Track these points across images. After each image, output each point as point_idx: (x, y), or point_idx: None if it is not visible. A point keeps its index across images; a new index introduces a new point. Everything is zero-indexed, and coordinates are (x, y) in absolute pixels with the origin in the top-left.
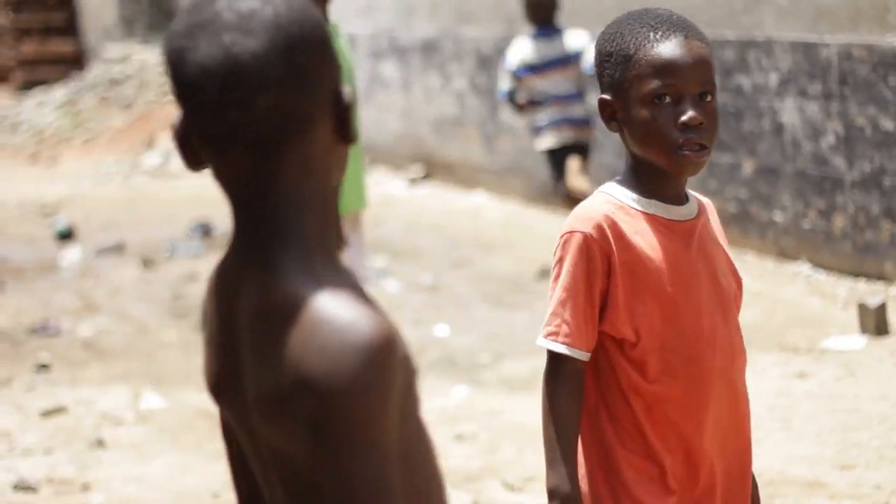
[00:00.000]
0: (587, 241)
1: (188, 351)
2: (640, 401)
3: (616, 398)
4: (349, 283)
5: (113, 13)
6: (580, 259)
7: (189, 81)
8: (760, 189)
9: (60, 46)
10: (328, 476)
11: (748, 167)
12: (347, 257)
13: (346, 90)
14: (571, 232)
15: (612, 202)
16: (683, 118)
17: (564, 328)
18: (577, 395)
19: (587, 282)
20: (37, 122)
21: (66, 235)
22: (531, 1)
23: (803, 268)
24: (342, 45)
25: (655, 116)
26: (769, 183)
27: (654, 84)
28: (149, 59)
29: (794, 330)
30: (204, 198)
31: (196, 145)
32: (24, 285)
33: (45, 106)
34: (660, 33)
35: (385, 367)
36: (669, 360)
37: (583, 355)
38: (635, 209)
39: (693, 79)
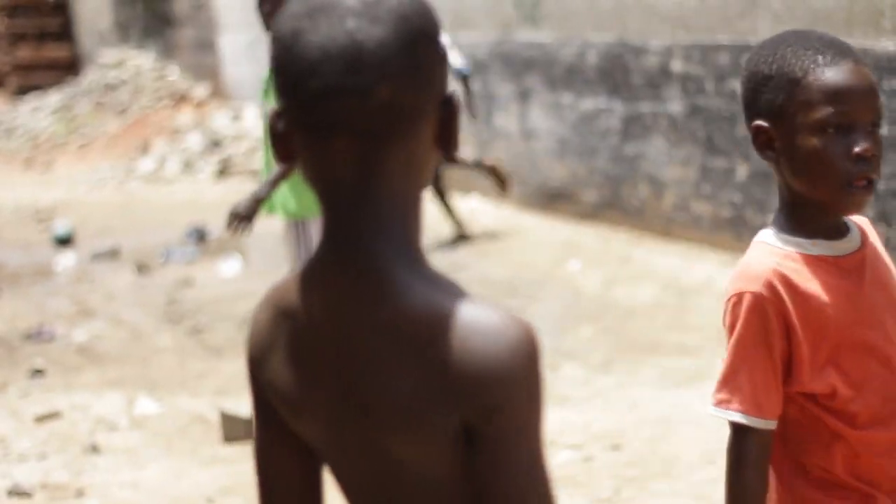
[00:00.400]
0: (759, 301)
1: (183, 356)
2: (845, 448)
3: (814, 451)
4: (457, 284)
5: (108, 19)
6: (754, 322)
7: (306, 63)
8: (755, 193)
9: (55, 52)
10: (508, 469)
11: (742, 171)
12: None
13: (455, 94)
14: (740, 293)
15: (775, 252)
16: (857, 149)
17: (738, 395)
18: (761, 467)
19: (765, 345)
20: (32, 127)
21: (65, 240)
22: None
23: None
24: None
25: (826, 146)
26: (763, 187)
27: (825, 111)
28: (144, 64)
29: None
30: (198, 203)
31: (292, 135)
32: (19, 290)
33: (40, 111)
34: (828, 57)
35: (538, 360)
36: (871, 403)
37: (763, 423)
38: (801, 254)
39: (866, 107)
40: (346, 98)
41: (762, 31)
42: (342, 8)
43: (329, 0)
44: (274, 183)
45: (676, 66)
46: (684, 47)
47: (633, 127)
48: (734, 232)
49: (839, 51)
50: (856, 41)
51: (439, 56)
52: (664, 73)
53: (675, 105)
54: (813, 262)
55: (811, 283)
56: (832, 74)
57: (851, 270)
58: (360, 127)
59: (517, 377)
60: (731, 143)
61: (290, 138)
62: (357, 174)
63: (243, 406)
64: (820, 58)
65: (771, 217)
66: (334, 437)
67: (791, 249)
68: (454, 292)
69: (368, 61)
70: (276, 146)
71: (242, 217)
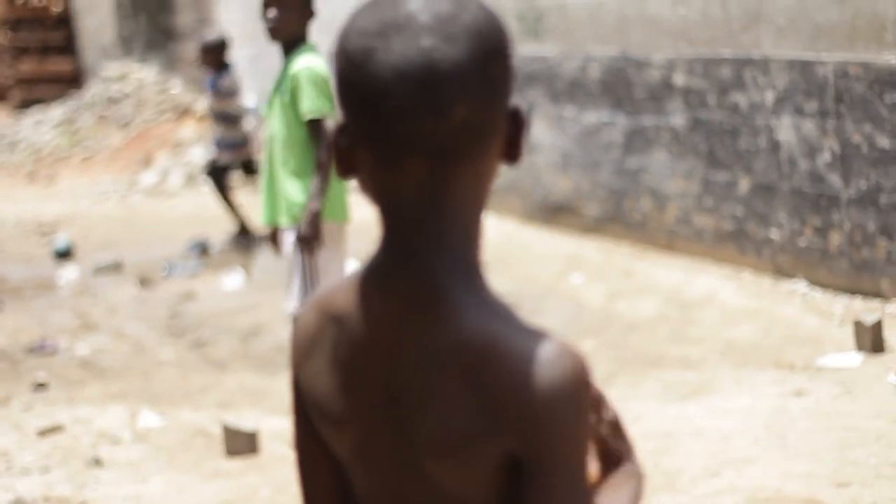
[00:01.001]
0: None
1: (185, 370)
2: None
3: None
4: (512, 309)
5: (111, 32)
6: None
7: (380, 84)
8: (757, 207)
9: (59, 65)
10: (544, 501)
11: (744, 185)
12: (333, 270)
13: (522, 106)
14: None
15: None
16: None
17: None
18: None
19: None
20: (35, 140)
21: (64, 254)
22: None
23: (800, 285)
24: (322, 62)
25: None
26: (765, 200)
27: None
28: (146, 77)
29: (790, 348)
30: (201, 216)
31: (356, 151)
32: (21, 304)
33: (43, 125)
34: None
35: (588, 392)
36: None
37: None
38: None
39: None
40: (422, 119)
41: (765, 44)
42: (416, 25)
43: (401, 16)
44: (320, 194)
45: (679, 79)
46: (687, 61)
47: (636, 140)
48: (736, 245)
49: None
50: (858, 55)
51: (510, 71)
52: (666, 86)
53: (678, 118)
54: None
55: None
56: None
57: None
58: (434, 147)
59: (567, 410)
60: (732, 156)
61: (353, 154)
62: (424, 193)
63: (246, 420)
64: None
65: (771, 230)
66: (366, 450)
67: None
68: (510, 318)
69: (445, 82)
70: (339, 161)
71: (312, 238)
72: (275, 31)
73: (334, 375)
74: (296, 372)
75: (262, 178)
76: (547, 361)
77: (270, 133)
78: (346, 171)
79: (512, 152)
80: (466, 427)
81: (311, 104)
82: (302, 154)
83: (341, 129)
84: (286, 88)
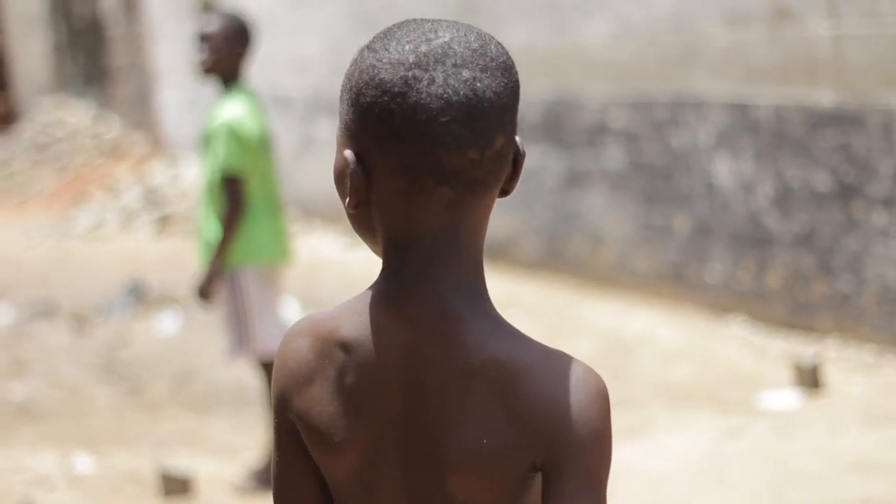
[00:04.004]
0: None
1: (120, 413)
2: None
3: None
4: (522, 331)
5: (46, 72)
6: None
7: (425, 113)
8: (694, 247)
9: None
10: None
11: (682, 226)
12: (267, 314)
13: (519, 141)
14: None
15: None
16: None
17: None
18: None
19: None
20: None
21: None
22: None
23: (737, 325)
24: (247, 112)
25: None
26: (703, 241)
27: None
28: (81, 120)
29: (727, 387)
30: (138, 260)
31: (371, 180)
32: None
33: None
34: None
35: (610, 411)
36: None
37: None
38: None
39: None
40: (466, 149)
41: (698, 83)
42: (455, 57)
43: (437, 48)
44: (223, 251)
45: (615, 120)
46: (622, 102)
47: (573, 181)
48: (674, 286)
49: None
50: (790, 93)
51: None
52: (602, 127)
53: (614, 160)
54: None
55: None
56: None
57: None
58: (470, 176)
59: (594, 426)
60: (669, 197)
61: (370, 186)
62: (447, 222)
63: (181, 463)
64: None
65: (708, 271)
66: (370, 472)
67: None
68: (528, 339)
69: (488, 112)
70: (354, 192)
71: (206, 294)
72: (205, 67)
73: (338, 400)
74: (285, 399)
75: (198, 219)
76: (577, 380)
77: (204, 178)
78: (357, 204)
79: (510, 185)
80: (496, 443)
81: (226, 160)
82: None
83: (360, 160)
84: (211, 135)
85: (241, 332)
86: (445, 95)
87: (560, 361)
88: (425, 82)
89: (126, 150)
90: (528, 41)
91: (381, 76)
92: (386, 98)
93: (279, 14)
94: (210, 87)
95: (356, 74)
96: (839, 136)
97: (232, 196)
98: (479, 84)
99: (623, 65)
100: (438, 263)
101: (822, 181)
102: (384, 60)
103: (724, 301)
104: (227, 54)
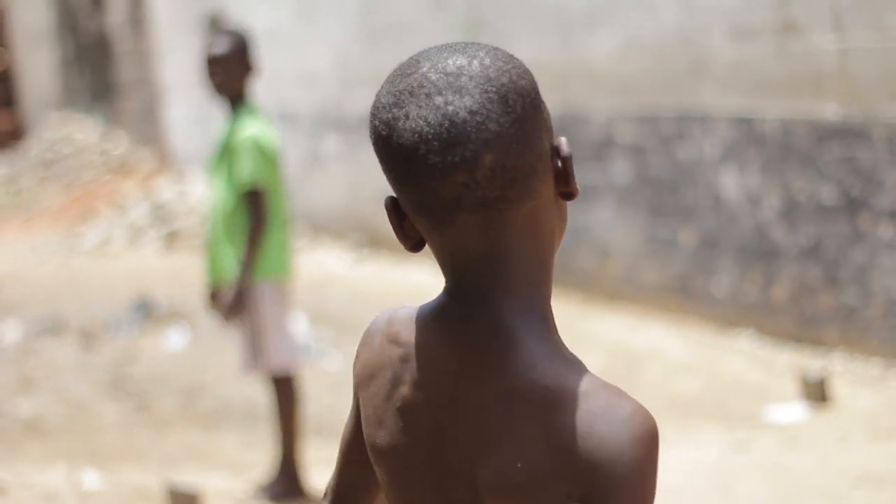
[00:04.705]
0: None
1: (128, 429)
2: None
3: None
4: (580, 360)
5: (54, 88)
6: None
7: (405, 150)
8: (701, 261)
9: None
10: None
11: (688, 239)
12: (279, 329)
13: (563, 140)
14: None
15: None
16: None
17: None
18: None
19: None
20: None
21: None
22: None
23: (744, 338)
24: (266, 128)
25: None
26: (709, 254)
27: None
28: (89, 137)
29: (735, 400)
30: (145, 276)
31: (412, 221)
32: None
33: None
34: None
35: (657, 454)
36: None
37: None
38: None
39: None
40: (455, 174)
41: (705, 97)
42: (427, 86)
43: (413, 82)
44: (249, 266)
45: (622, 134)
46: (629, 116)
47: (580, 195)
48: (681, 299)
49: None
50: (797, 107)
51: (539, 109)
52: (609, 141)
53: (621, 173)
54: None
55: None
56: None
57: None
58: (476, 198)
59: (635, 466)
60: (676, 210)
61: (412, 224)
62: (484, 242)
63: (189, 479)
64: None
65: (715, 284)
66: (404, 483)
67: None
68: (581, 369)
69: (464, 133)
70: (404, 237)
71: (235, 310)
72: (219, 89)
73: (388, 404)
74: (356, 384)
75: (206, 237)
76: (620, 419)
77: (216, 194)
78: (411, 244)
79: (565, 189)
80: (535, 468)
81: (252, 174)
82: (244, 218)
83: (395, 204)
84: (230, 153)
85: (255, 347)
86: (418, 128)
87: (610, 395)
88: (402, 120)
89: (133, 166)
90: (534, 56)
91: (373, 122)
92: (379, 144)
93: (286, 30)
94: (216, 101)
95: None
96: (845, 149)
97: (257, 210)
98: (450, 108)
99: (630, 79)
100: (490, 286)
101: (828, 194)
102: (375, 106)
103: (730, 314)
104: (238, 74)
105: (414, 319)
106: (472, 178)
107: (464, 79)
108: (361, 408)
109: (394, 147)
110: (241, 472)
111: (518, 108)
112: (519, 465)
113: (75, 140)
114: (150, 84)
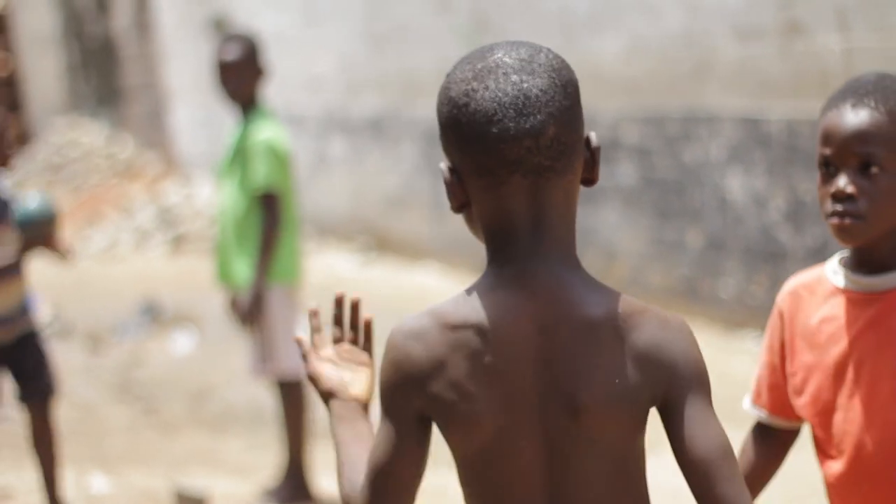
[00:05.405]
0: (776, 306)
1: (136, 433)
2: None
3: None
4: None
5: (60, 92)
6: (770, 323)
7: (484, 115)
8: (707, 262)
9: None
10: (702, 427)
11: (695, 241)
12: (289, 334)
13: (593, 134)
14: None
15: (814, 274)
16: (832, 188)
17: (753, 383)
18: (753, 449)
19: (768, 346)
20: None
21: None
22: None
23: (751, 340)
24: (279, 131)
25: (820, 184)
26: (716, 256)
27: (820, 151)
28: (95, 140)
29: (741, 402)
30: (152, 279)
31: (465, 184)
32: None
33: None
34: (838, 100)
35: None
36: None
37: (756, 411)
38: (827, 280)
39: (847, 149)
40: (522, 139)
41: (710, 98)
42: (504, 67)
43: (490, 63)
44: (264, 270)
45: (628, 136)
46: (634, 118)
47: (585, 197)
48: (687, 301)
49: (853, 93)
50: (802, 107)
51: (580, 101)
52: (615, 143)
53: (627, 175)
54: (832, 291)
55: (811, 309)
56: (829, 116)
57: (863, 307)
58: (534, 163)
59: (699, 358)
60: (682, 212)
61: (463, 188)
62: (531, 205)
63: (197, 482)
64: (839, 100)
65: (721, 285)
66: (515, 433)
67: (826, 275)
68: (622, 295)
69: (535, 106)
70: (453, 197)
71: (253, 314)
72: (234, 95)
73: (475, 377)
74: (410, 389)
75: (217, 239)
76: (677, 325)
77: (226, 198)
78: (459, 207)
79: (590, 175)
80: (625, 382)
81: (268, 177)
82: (257, 221)
83: (451, 169)
84: (243, 157)
85: (264, 351)
86: (497, 98)
87: (654, 310)
88: (481, 91)
89: (140, 169)
90: None
91: (450, 93)
92: (455, 110)
93: (293, 33)
94: (223, 104)
95: (438, 97)
96: None
97: (272, 213)
98: (525, 84)
99: (635, 80)
100: (543, 244)
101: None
102: (451, 80)
103: (737, 315)
104: (249, 79)
105: (472, 300)
106: (535, 144)
107: (535, 65)
108: (436, 401)
109: (471, 112)
110: (247, 475)
111: (573, 95)
112: (616, 381)
113: (82, 144)
114: (156, 88)
